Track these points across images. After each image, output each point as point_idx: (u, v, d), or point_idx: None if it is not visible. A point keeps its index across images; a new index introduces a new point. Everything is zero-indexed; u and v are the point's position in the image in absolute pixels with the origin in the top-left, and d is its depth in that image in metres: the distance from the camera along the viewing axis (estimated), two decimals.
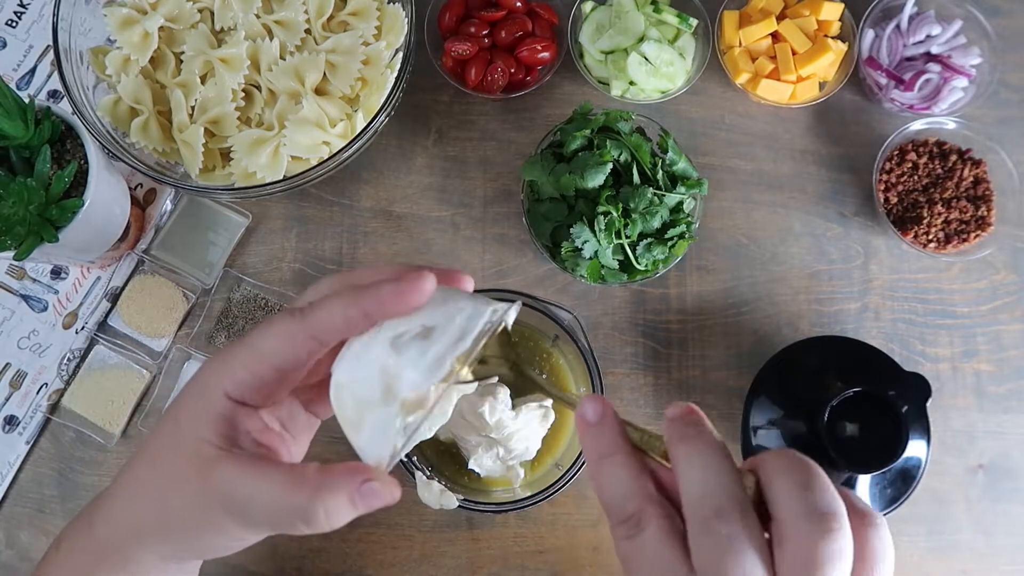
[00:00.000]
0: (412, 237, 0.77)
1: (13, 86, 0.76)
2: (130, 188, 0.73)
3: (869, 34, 0.80)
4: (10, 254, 0.61)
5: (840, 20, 0.79)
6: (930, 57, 0.80)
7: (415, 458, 0.63)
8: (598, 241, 0.67)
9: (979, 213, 0.76)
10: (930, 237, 0.75)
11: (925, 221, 0.75)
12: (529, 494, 0.63)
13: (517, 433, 0.63)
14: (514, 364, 0.44)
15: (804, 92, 0.78)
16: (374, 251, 0.76)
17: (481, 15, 0.77)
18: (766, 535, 0.33)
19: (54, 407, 0.72)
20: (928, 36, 0.80)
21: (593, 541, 0.71)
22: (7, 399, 0.72)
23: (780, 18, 0.78)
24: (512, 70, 0.76)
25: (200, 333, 0.74)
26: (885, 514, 0.69)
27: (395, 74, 0.69)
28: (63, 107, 0.65)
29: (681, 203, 0.69)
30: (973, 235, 0.75)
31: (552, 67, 0.77)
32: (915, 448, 0.68)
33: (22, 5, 0.81)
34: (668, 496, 0.35)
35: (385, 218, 0.77)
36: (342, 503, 0.34)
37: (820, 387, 0.69)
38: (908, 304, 0.77)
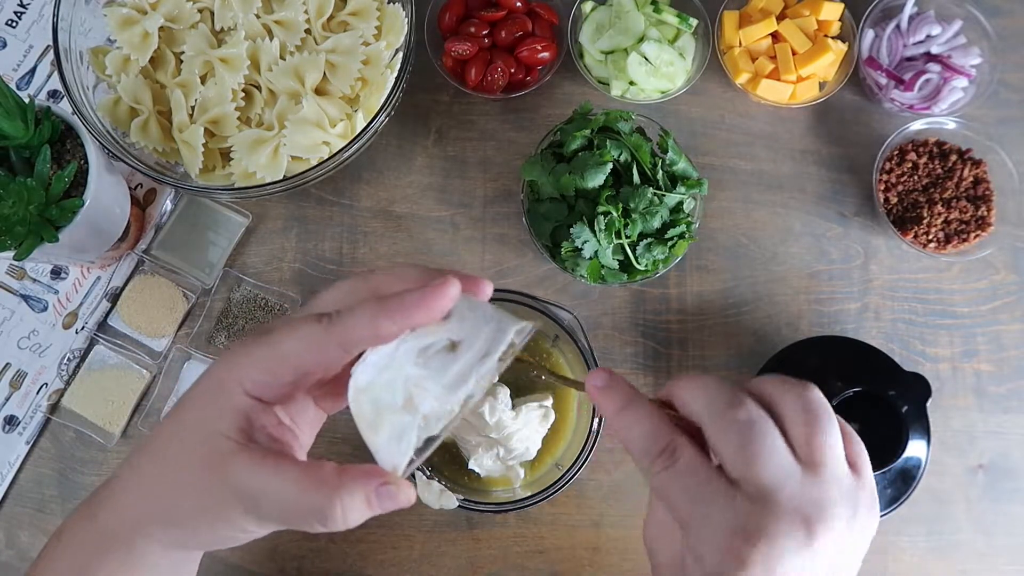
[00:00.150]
0: (412, 237, 0.77)
1: (13, 86, 0.76)
2: (130, 188, 0.73)
3: (869, 34, 0.80)
4: (10, 254, 0.61)
5: (840, 20, 0.79)
6: (930, 57, 0.80)
7: None
8: (598, 241, 0.67)
9: (979, 213, 0.76)
10: (930, 237, 0.75)
11: (925, 221, 0.75)
12: (529, 494, 0.63)
13: (517, 433, 0.63)
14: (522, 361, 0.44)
15: (804, 92, 0.78)
16: (374, 251, 0.76)
17: (481, 15, 0.77)
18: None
19: (54, 407, 0.72)
20: (928, 36, 0.80)
21: (593, 541, 0.71)
22: (7, 399, 0.72)
23: (780, 18, 0.78)
24: (512, 70, 0.76)
25: (200, 333, 0.74)
26: (885, 514, 0.69)
27: (395, 74, 0.69)
28: (63, 107, 0.65)
29: (681, 203, 0.69)
30: (973, 235, 0.75)
31: (552, 67, 0.77)
32: (915, 448, 0.68)
33: (22, 5, 0.81)
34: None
35: (385, 218, 0.77)
36: (358, 504, 0.35)
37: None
38: (908, 304, 0.77)
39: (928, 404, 0.69)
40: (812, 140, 0.80)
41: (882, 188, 0.77)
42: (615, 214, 0.66)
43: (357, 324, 0.35)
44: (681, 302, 0.76)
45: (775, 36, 0.78)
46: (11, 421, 0.72)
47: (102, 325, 0.74)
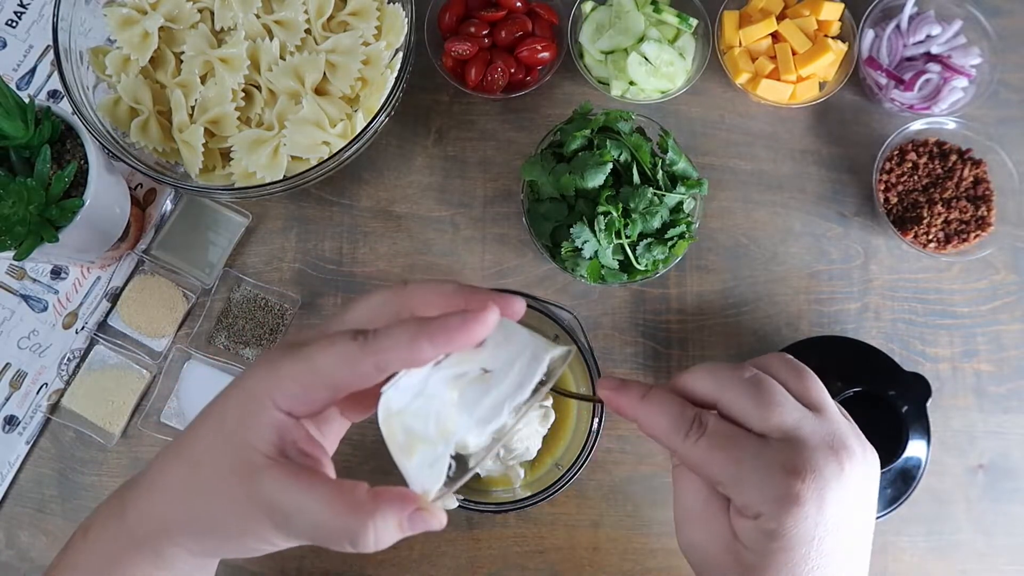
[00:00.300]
0: (412, 237, 0.77)
1: (13, 86, 0.76)
2: (130, 188, 0.73)
3: (869, 34, 0.80)
4: (10, 254, 0.61)
5: (840, 20, 0.79)
6: (930, 57, 0.80)
7: None
8: (598, 241, 0.67)
9: (979, 213, 0.76)
10: (930, 237, 0.75)
11: (925, 221, 0.75)
12: (529, 494, 0.63)
13: (517, 433, 0.63)
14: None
15: (804, 92, 0.78)
16: (374, 251, 0.76)
17: (481, 15, 0.77)
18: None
19: (54, 407, 0.72)
20: (928, 36, 0.80)
21: (593, 541, 0.71)
22: (7, 399, 0.72)
23: (780, 18, 0.78)
24: (512, 70, 0.76)
25: (200, 333, 0.74)
26: (885, 514, 0.69)
27: (395, 74, 0.69)
28: (63, 107, 0.65)
29: (681, 203, 0.69)
30: (973, 235, 0.75)
31: (552, 67, 0.77)
32: (915, 448, 0.68)
33: (22, 5, 0.81)
34: None
35: (385, 218, 0.77)
36: (391, 529, 0.35)
37: None
38: (908, 304, 0.77)
39: (928, 404, 0.69)
40: (812, 140, 0.80)
41: (882, 188, 0.77)
42: (615, 214, 0.66)
43: (394, 346, 0.35)
44: (681, 302, 0.76)
45: (775, 36, 0.78)
46: (11, 421, 0.72)
47: (102, 325, 0.74)
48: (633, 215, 0.67)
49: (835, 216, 0.79)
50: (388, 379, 0.37)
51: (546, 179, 0.69)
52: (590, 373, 0.64)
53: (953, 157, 0.77)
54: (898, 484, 0.69)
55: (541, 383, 0.36)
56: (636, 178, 0.68)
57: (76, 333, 0.73)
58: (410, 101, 0.79)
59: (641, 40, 0.76)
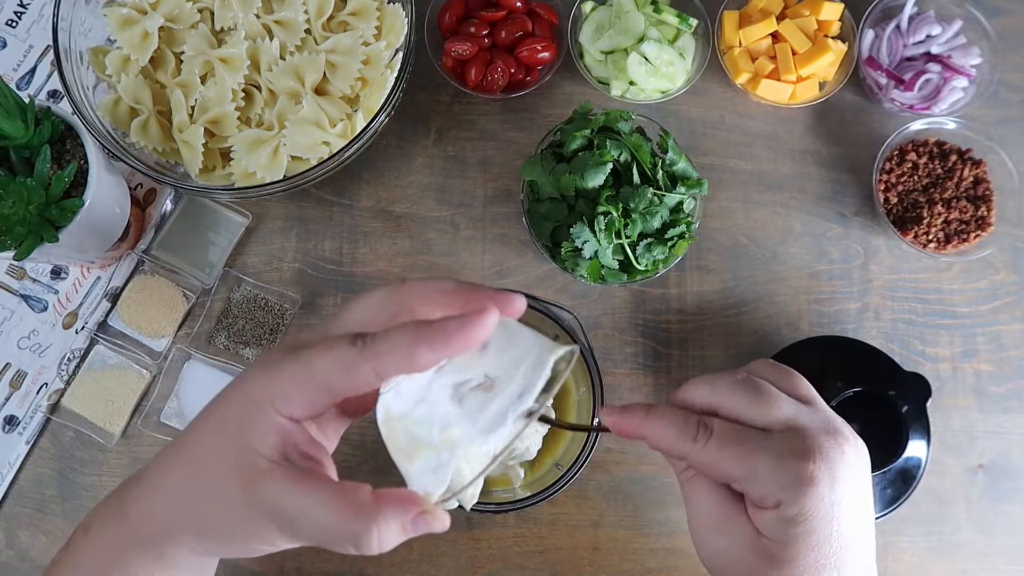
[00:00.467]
0: (412, 237, 0.77)
1: (13, 86, 0.76)
2: (130, 188, 0.73)
3: (869, 34, 0.80)
4: (10, 254, 0.61)
5: (840, 20, 0.79)
6: (930, 57, 0.80)
7: None
8: (598, 241, 0.67)
9: (979, 213, 0.76)
10: (930, 237, 0.75)
11: (925, 221, 0.75)
12: (529, 494, 0.63)
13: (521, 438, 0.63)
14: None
15: (804, 92, 0.78)
16: (374, 251, 0.76)
17: (481, 15, 0.77)
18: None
19: (54, 407, 0.72)
20: (928, 36, 0.80)
21: (593, 541, 0.71)
22: (7, 399, 0.72)
23: (780, 18, 0.78)
24: (512, 70, 0.76)
25: (200, 333, 0.74)
26: (885, 514, 0.69)
27: (395, 74, 0.69)
28: (63, 107, 0.65)
29: (681, 203, 0.69)
30: (973, 235, 0.75)
31: (552, 67, 0.77)
32: (915, 448, 0.68)
33: (22, 5, 0.81)
34: None
35: (385, 218, 0.77)
36: (394, 531, 0.35)
37: (820, 387, 0.68)
38: (908, 304, 0.77)
39: (928, 404, 0.69)
40: (812, 140, 0.80)
41: (882, 188, 0.77)
42: (615, 214, 0.66)
43: (393, 350, 0.34)
44: (681, 302, 0.76)
45: (775, 36, 0.78)
46: (11, 421, 0.72)
47: (102, 325, 0.74)
48: (633, 215, 0.67)
49: (835, 216, 0.79)
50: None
51: (546, 179, 0.69)
52: (590, 373, 0.64)
53: (953, 157, 0.77)
54: (898, 484, 0.69)
55: (546, 388, 0.35)
56: (636, 178, 0.68)
57: (76, 333, 0.73)
58: (410, 101, 0.79)
59: (641, 40, 0.76)
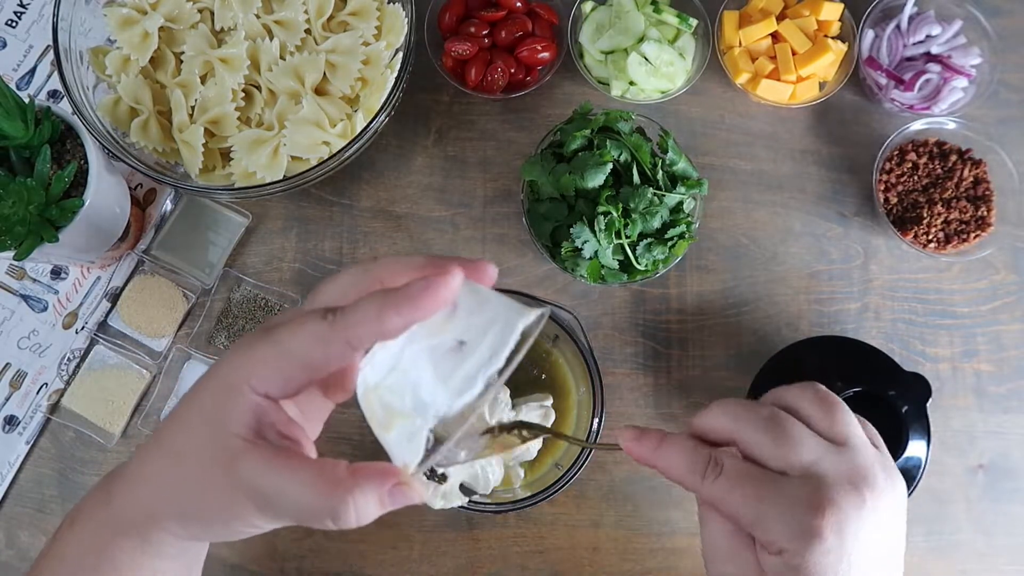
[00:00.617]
0: (412, 237, 0.77)
1: (13, 86, 0.76)
2: (130, 188, 0.73)
3: (869, 34, 0.80)
4: (10, 254, 0.61)
5: (840, 20, 0.79)
6: (930, 57, 0.80)
7: None
8: (598, 241, 0.67)
9: (979, 213, 0.76)
10: (930, 237, 0.75)
11: (925, 221, 0.75)
12: (529, 494, 0.63)
13: (498, 404, 0.63)
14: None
15: (804, 92, 0.78)
16: (374, 251, 0.76)
17: (481, 15, 0.77)
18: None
19: (54, 407, 0.72)
20: (928, 36, 0.80)
21: (593, 541, 0.71)
22: (7, 399, 0.72)
23: (780, 18, 0.78)
24: (512, 70, 0.76)
25: (200, 333, 0.74)
26: None
27: (395, 74, 0.69)
28: (63, 107, 0.65)
29: (681, 203, 0.69)
30: (973, 235, 0.75)
31: (552, 67, 0.77)
32: (915, 448, 0.68)
33: (22, 5, 0.81)
34: None
35: (385, 218, 0.77)
36: (371, 504, 0.35)
37: None
38: (908, 304, 0.77)
39: (928, 404, 0.69)
40: (812, 140, 0.80)
41: (882, 188, 0.77)
42: (615, 214, 0.66)
43: (363, 319, 0.35)
44: (681, 302, 0.76)
45: (775, 36, 0.78)
46: (11, 421, 0.72)
47: (102, 325, 0.74)
48: (633, 215, 0.67)
49: (835, 216, 0.79)
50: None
51: (546, 179, 0.69)
52: (590, 373, 0.64)
53: (953, 157, 0.77)
54: None
55: (516, 350, 0.36)
56: (636, 178, 0.68)
57: (76, 333, 0.73)
58: (410, 101, 0.79)
59: (641, 40, 0.76)
